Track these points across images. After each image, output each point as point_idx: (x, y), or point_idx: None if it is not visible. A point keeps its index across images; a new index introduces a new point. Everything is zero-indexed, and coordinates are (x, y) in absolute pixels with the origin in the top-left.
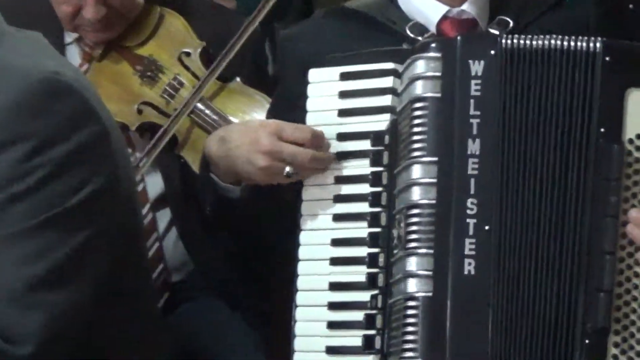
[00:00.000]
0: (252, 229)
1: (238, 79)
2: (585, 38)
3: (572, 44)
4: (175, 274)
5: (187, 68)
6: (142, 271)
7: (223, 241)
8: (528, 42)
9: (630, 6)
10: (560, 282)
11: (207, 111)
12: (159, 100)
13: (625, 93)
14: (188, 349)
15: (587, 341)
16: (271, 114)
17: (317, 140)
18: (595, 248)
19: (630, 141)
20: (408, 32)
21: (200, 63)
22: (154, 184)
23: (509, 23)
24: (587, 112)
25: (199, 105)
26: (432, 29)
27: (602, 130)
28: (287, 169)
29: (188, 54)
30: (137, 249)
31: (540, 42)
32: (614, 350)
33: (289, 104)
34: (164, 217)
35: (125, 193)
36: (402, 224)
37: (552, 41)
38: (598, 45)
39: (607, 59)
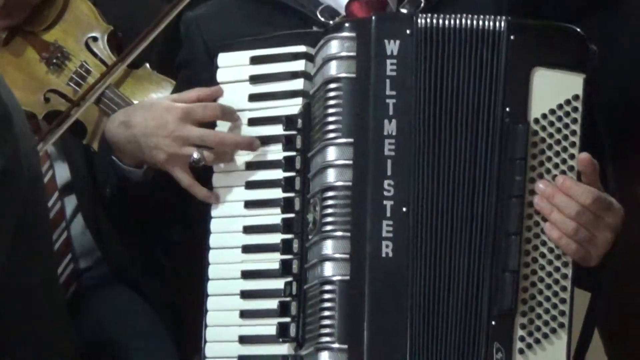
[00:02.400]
0: (155, 213)
1: (147, 65)
2: (492, 17)
3: (480, 23)
4: (83, 261)
5: (94, 54)
6: (47, 262)
7: (128, 227)
8: (442, 21)
9: None
10: (470, 264)
11: (116, 99)
12: (66, 89)
13: (531, 72)
14: (95, 338)
15: (493, 323)
16: None
17: (228, 116)
18: (501, 229)
19: (536, 121)
20: (318, 15)
21: (109, 48)
22: (62, 172)
23: (420, 2)
24: (494, 91)
25: (108, 92)
26: (342, 11)
27: (508, 109)
28: (195, 154)
29: (95, 39)
30: (40, 239)
31: (452, 21)
32: (521, 332)
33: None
34: (70, 203)
35: (27, 179)
36: (317, 208)
37: (463, 20)
38: (503, 24)
39: (512, 37)
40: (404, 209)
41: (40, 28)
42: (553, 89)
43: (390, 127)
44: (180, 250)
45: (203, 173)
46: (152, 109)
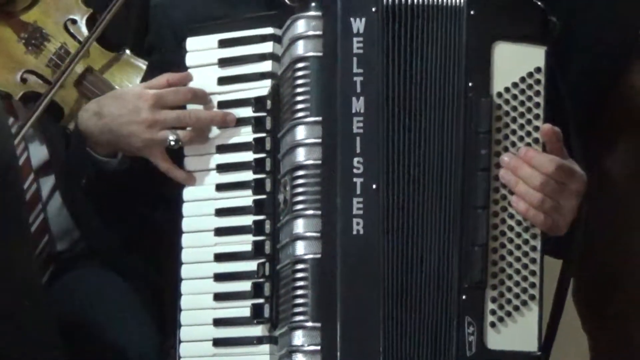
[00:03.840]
0: (133, 199)
1: (128, 51)
2: None
3: None
4: (60, 243)
5: (73, 36)
6: (24, 245)
7: (107, 210)
8: None
9: None
10: (440, 239)
11: (98, 83)
12: (44, 70)
13: (492, 46)
14: (74, 319)
15: (464, 297)
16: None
17: (200, 99)
18: (469, 203)
19: (499, 95)
20: None
21: (87, 31)
22: (37, 152)
23: None
24: (457, 66)
25: (86, 74)
26: None
27: (471, 84)
28: (171, 137)
29: (74, 22)
30: (16, 222)
31: None
32: (492, 305)
33: (164, 73)
34: (47, 183)
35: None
36: (288, 187)
37: None
38: None
39: (472, 12)
40: (374, 186)
41: (19, 8)
42: (514, 62)
43: (358, 104)
44: (161, 229)
45: (175, 157)
46: (124, 98)
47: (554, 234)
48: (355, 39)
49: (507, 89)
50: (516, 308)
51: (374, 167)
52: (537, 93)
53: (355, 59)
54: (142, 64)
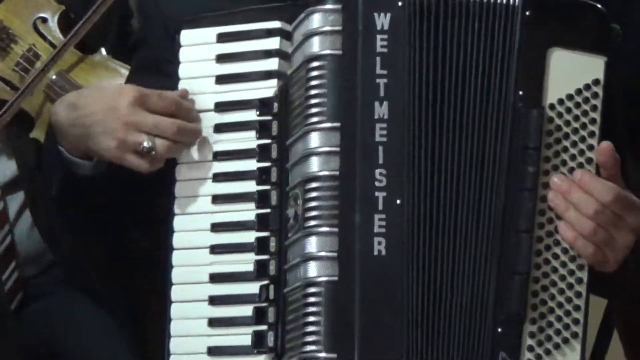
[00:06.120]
0: (110, 213)
1: (103, 51)
2: None
3: None
4: (30, 267)
5: (43, 37)
6: None
7: (81, 227)
8: None
9: None
10: (475, 263)
11: (66, 86)
12: (11, 75)
13: (547, 52)
14: (46, 349)
15: (499, 330)
16: (131, 82)
17: (184, 111)
18: (511, 225)
19: (552, 107)
20: None
21: (59, 30)
22: (5, 168)
23: None
24: (506, 73)
25: (56, 78)
26: None
27: (521, 93)
28: (145, 143)
29: (45, 20)
30: None
31: None
32: (530, 341)
33: (154, 71)
34: (15, 200)
35: None
36: (299, 201)
37: None
38: None
39: (528, 13)
40: (398, 201)
41: None
42: (571, 72)
43: (381, 109)
44: (142, 250)
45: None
46: (104, 92)
47: (601, 269)
48: (378, 37)
49: (561, 101)
50: (557, 346)
51: (397, 180)
52: (594, 108)
53: (378, 59)
54: (120, 67)
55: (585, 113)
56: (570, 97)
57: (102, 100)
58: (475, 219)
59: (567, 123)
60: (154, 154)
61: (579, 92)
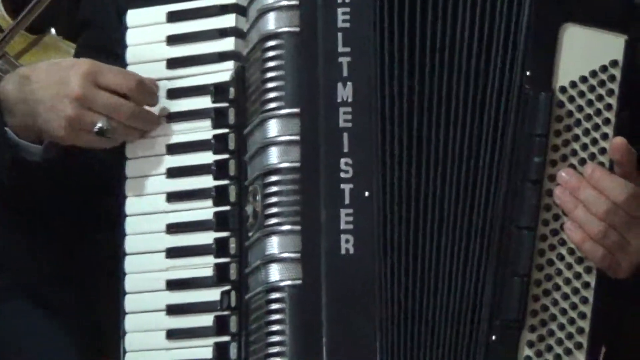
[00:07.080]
0: (60, 206)
1: (53, 31)
2: None
3: None
4: None
5: None
6: None
7: (31, 227)
8: None
9: None
10: (466, 263)
11: (11, 71)
12: None
13: (560, 29)
14: None
15: (494, 337)
16: None
17: (144, 93)
18: (511, 221)
19: (563, 89)
20: None
21: (4, 12)
22: None
23: None
24: (511, 49)
25: (2, 64)
26: None
27: (528, 73)
28: (100, 123)
29: None
30: None
31: None
32: (528, 351)
33: (101, 54)
34: None
35: None
36: (258, 197)
37: None
38: None
39: None
40: (367, 194)
41: None
42: (586, 52)
43: (344, 92)
44: (99, 255)
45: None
46: (57, 65)
47: (612, 274)
48: (340, 10)
49: (573, 84)
50: (558, 357)
51: (366, 170)
52: (610, 92)
53: (340, 35)
54: (72, 48)
55: (600, 98)
56: (584, 79)
57: (55, 73)
58: (467, 213)
59: (580, 108)
60: (108, 135)
61: (594, 74)
